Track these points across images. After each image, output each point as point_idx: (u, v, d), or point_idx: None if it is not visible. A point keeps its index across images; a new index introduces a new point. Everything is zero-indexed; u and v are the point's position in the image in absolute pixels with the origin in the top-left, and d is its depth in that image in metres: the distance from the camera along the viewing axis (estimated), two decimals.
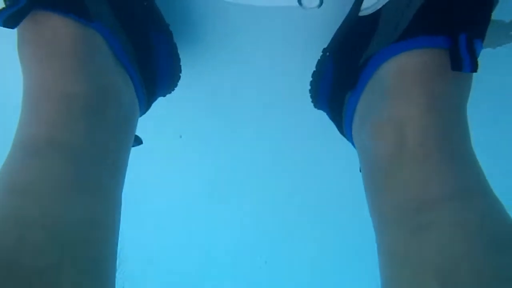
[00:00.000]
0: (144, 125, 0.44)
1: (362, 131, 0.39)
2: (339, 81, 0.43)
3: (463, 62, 0.34)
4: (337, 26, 0.42)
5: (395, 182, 0.36)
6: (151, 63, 0.43)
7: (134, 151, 0.42)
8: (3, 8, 0.35)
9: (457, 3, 0.36)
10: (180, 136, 0.57)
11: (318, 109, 0.46)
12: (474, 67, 0.34)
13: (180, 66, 0.46)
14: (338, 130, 0.45)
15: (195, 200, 0.63)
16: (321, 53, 0.43)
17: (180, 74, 0.46)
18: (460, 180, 0.34)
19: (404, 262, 0.33)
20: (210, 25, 0.48)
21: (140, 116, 0.44)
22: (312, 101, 0.46)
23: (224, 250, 0.68)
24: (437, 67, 0.36)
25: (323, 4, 0.42)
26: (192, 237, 0.67)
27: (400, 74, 0.37)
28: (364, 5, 0.40)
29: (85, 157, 0.35)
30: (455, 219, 0.32)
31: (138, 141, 0.44)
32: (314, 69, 0.44)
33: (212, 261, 0.69)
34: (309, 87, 0.45)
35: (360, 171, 0.41)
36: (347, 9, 0.41)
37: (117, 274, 0.35)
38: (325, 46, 0.43)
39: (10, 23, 0.34)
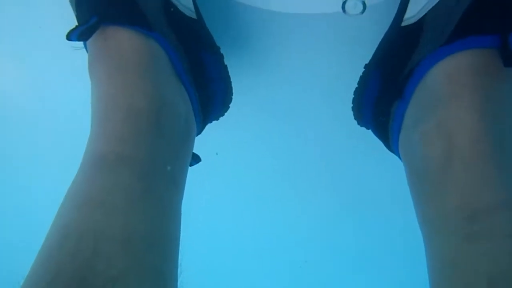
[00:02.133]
0: None
1: (411, 141, 0.39)
2: (384, 93, 0.42)
3: None
4: (377, 36, 0.42)
5: (445, 190, 0.35)
6: (205, 82, 0.45)
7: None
8: (76, 26, 0.38)
9: (504, 3, 0.36)
10: (216, 153, 0.59)
11: (361, 125, 0.46)
12: None
13: (231, 88, 0.47)
14: (385, 145, 0.45)
15: (239, 208, 0.65)
16: (364, 69, 0.43)
17: (232, 97, 0.48)
18: (511, 189, 0.33)
19: (455, 270, 0.33)
20: (255, 40, 0.50)
21: (196, 135, 0.46)
22: (355, 118, 0.46)
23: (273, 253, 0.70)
24: (487, 68, 0.35)
25: (365, 12, 0.43)
26: (241, 243, 0.69)
27: (449, 78, 0.36)
28: (407, 14, 0.40)
29: (149, 172, 0.37)
30: (507, 228, 0.32)
31: (196, 159, 0.45)
32: (356, 85, 0.44)
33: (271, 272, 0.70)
34: (351, 105, 0.45)
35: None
36: (386, 18, 0.42)
37: (178, 283, 0.37)
38: (364, 55, 0.43)
39: (83, 38, 0.38)
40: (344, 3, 0.33)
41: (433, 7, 0.39)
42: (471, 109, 0.35)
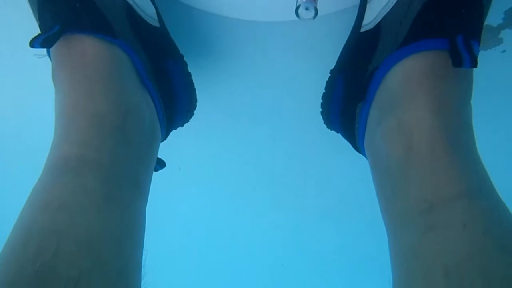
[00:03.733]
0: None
1: (374, 140, 0.40)
2: (349, 96, 0.44)
3: (463, 58, 0.36)
4: (337, 42, 0.44)
5: (405, 185, 0.36)
6: (169, 89, 0.45)
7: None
8: (39, 33, 0.39)
9: (451, 9, 0.38)
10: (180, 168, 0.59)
11: (331, 129, 0.48)
12: (473, 63, 0.36)
13: (195, 95, 0.48)
14: (352, 146, 0.46)
15: (214, 208, 0.65)
16: (329, 74, 0.45)
17: (196, 104, 0.49)
18: (467, 180, 0.35)
19: (413, 260, 0.34)
20: (218, 48, 0.51)
21: (161, 141, 0.46)
22: (324, 122, 0.47)
23: (244, 256, 0.70)
24: (439, 69, 0.38)
25: (329, 18, 0.44)
26: (211, 245, 0.69)
27: (405, 79, 0.38)
28: (365, 20, 0.43)
29: (112, 175, 0.37)
30: (463, 218, 0.33)
31: (161, 164, 0.46)
32: (324, 91, 0.46)
33: (233, 268, 0.71)
34: (320, 110, 0.46)
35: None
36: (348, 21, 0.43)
37: (142, 284, 0.37)
38: (329, 56, 0.44)
39: (46, 45, 0.38)
40: (297, 9, 0.35)
41: (387, 13, 0.41)
42: (427, 108, 0.37)
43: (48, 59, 0.42)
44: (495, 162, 0.38)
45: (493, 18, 0.43)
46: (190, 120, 0.50)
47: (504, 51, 0.50)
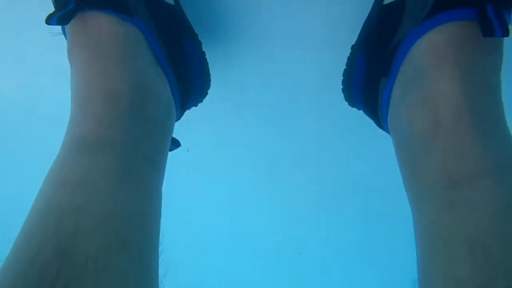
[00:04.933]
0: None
1: (398, 115, 0.40)
2: (371, 72, 0.43)
3: (494, 28, 0.34)
4: (359, 18, 0.43)
5: (430, 160, 0.36)
6: (184, 67, 0.45)
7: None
8: (54, 11, 0.38)
9: None
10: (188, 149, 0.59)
11: (352, 106, 0.47)
12: (505, 32, 0.34)
13: (209, 74, 0.48)
14: (376, 123, 0.46)
15: (233, 195, 0.66)
16: (350, 50, 0.44)
17: (210, 83, 0.49)
18: (494, 156, 0.34)
19: (437, 236, 0.34)
20: (234, 29, 0.50)
21: (176, 121, 0.46)
22: (345, 99, 0.46)
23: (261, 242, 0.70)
24: (467, 39, 0.36)
25: None
26: (228, 230, 0.69)
27: (431, 51, 0.37)
28: None
29: (129, 153, 0.37)
30: (487, 194, 0.33)
31: (176, 144, 0.46)
32: (345, 67, 0.45)
33: (249, 253, 0.71)
34: (341, 86, 0.46)
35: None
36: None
37: (159, 262, 0.38)
38: (351, 41, 0.44)
39: (61, 22, 0.38)
40: None
41: None
42: (453, 80, 0.36)
43: (63, 37, 0.42)
44: None
45: None
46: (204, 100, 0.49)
47: None
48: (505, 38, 0.37)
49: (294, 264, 0.72)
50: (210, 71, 0.48)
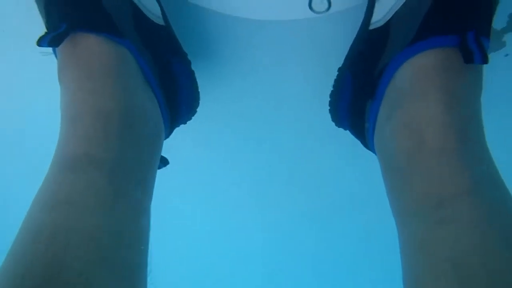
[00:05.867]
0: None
1: (384, 137, 0.41)
2: (358, 94, 0.44)
3: (474, 55, 0.36)
4: (346, 40, 0.44)
5: (415, 179, 0.37)
6: (173, 87, 0.46)
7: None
8: (46, 32, 0.39)
9: (461, 6, 0.39)
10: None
11: (339, 127, 0.48)
12: (484, 59, 0.36)
13: (199, 93, 0.48)
14: (362, 144, 0.47)
15: (216, 208, 0.66)
16: (337, 72, 0.45)
17: (199, 102, 0.49)
18: (476, 176, 0.35)
19: (423, 254, 0.35)
20: (222, 47, 0.51)
21: (165, 139, 0.47)
22: (332, 120, 0.47)
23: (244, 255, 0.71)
24: (450, 65, 0.38)
25: (336, 17, 0.45)
26: (218, 250, 0.69)
27: (416, 75, 0.39)
28: (374, 18, 0.43)
29: (118, 172, 0.37)
30: (470, 213, 0.34)
31: (164, 162, 0.46)
32: (332, 89, 0.46)
33: (240, 274, 0.71)
34: (328, 108, 0.46)
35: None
36: (353, 20, 0.44)
37: (148, 280, 0.38)
38: (338, 63, 0.44)
39: (53, 44, 0.38)
40: (310, 2, 0.35)
41: (397, 11, 0.41)
42: (436, 104, 0.37)
43: (54, 57, 0.43)
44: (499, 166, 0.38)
45: (496, 21, 0.43)
46: (192, 118, 0.50)
47: (507, 55, 0.50)
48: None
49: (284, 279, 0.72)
50: (199, 90, 0.49)
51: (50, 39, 0.38)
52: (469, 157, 0.36)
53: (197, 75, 0.48)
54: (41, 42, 0.38)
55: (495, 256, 0.32)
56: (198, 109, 0.50)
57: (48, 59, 0.43)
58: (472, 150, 0.36)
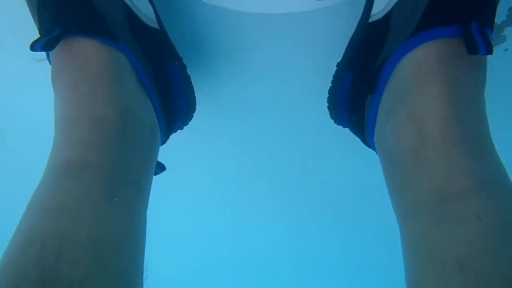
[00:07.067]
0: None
1: (384, 132, 0.40)
2: (357, 89, 0.43)
3: (478, 45, 0.35)
4: (346, 33, 0.43)
5: (417, 176, 0.36)
6: (168, 91, 0.45)
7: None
8: (39, 37, 0.39)
9: None
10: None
11: (338, 124, 0.47)
12: (489, 49, 0.35)
13: (195, 97, 0.48)
14: (362, 141, 0.45)
15: (215, 210, 0.65)
16: (336, 68, 0.44)
17: (195, 107, 0.48)
18: (481, 172, 0.34)
19: (427, 253, 0.34)
20: (216, 49, 0.50)
21: (161, 145, 0.46)
22: (331, 117, 0.46)
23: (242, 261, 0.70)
24: (452, 57, 0.37)
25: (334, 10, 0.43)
26: (214, 255, 0.69)
27: (417, 68, 0.37)
28: (374, 10, 0.42)
29: (113, 177, 0.37)
30: (477, 212, 0.32)
31: (161, 168, 0.46)
32: (330, 84, 0.45)
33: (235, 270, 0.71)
34: (326, 104, 0.45)
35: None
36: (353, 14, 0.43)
37: (144, 286, 0.37)
38: (336, 58, 0.43)
39: (46, 48, 0.38)
40: None
41: (398, 1, 0.40)
42: (439, 97, 0.36)
43: (47, 63, 0.42)
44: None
45: (496, 15, 0.43)
46: (189, 122, 0.49)
47: (506, 49, 0.49)
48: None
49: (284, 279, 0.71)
50: (196, 95, 0.48)
51: (44, 44, 0.37)
52: (474, 152, 0.35)
53: (193, 78, 0.47)
54: (34, 46, 0.38)
55: (505, 257, 0.31)
56: (194, 114, 0.49)
57: (41, 63, 0.43)
58: (477, 145, 0.35)
